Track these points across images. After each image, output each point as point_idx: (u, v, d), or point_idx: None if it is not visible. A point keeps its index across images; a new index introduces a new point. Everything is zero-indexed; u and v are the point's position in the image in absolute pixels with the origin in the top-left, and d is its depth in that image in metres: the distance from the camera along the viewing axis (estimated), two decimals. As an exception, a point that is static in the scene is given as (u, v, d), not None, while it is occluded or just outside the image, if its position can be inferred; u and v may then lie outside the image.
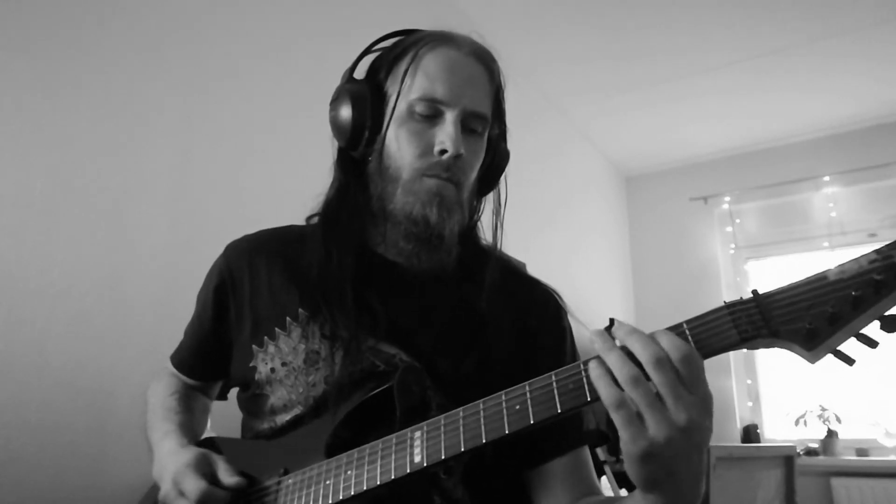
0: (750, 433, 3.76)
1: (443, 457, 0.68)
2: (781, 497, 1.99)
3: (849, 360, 0.56)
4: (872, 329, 0.55)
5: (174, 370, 1.05)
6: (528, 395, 0.65)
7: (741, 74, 3.45)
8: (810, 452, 3.60)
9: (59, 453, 1.29)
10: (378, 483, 0.71)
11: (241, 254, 0.97)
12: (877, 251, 0.55)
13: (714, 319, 0.60)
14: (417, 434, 0.71)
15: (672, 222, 4.41)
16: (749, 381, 4.03)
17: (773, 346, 0.59)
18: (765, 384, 4.03)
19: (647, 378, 0.57)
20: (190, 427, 0.95)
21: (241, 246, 0.99)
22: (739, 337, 0.59)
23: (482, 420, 0.67)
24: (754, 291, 0.59)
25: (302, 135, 1.95)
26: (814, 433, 3.66)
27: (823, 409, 3.65)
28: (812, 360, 0.58)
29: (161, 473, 0.84)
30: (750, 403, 4.00)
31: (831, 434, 3.60)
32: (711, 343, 0.60)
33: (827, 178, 3.93)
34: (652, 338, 0.59)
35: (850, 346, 0.57)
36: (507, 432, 0.65)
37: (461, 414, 0.69)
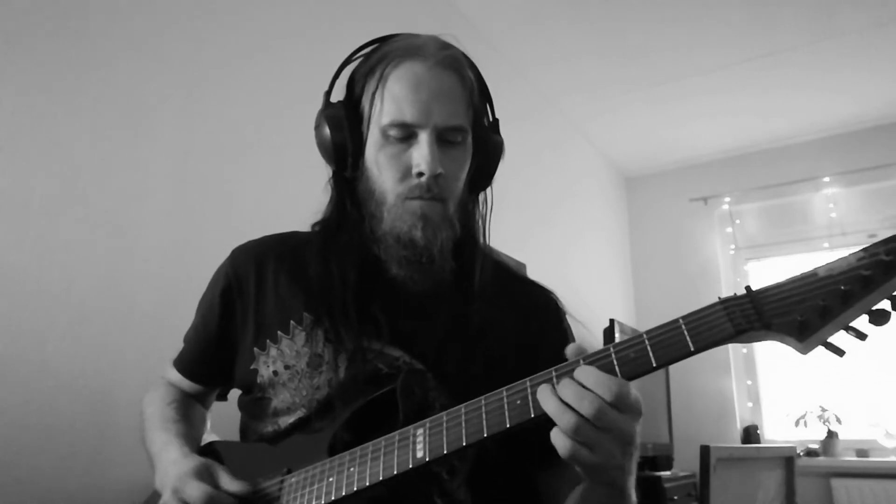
0: (750, 434, 3.76)
1: (445, 451, 0.69)
2: (781, 498, 1.99)
3: (839, 352, 0.59)
4: (861, 322, 0.58)
5: (176, 377, 1.04)
6: (528, 389, 0.67)
7: (741, 74, 3.45)
8: (810, 453, 3.60)
9: (58, 454, 1.29)
10: (381, 478, 0.72)
11: (247, 257, 0.97)
12: (864, 249, 0.58)
13: (710, 314, 0.62)
14: (420, 431, 0.72)
15: (672, 223, 4.41)
16: (749, 382, 4.03)
17: (767, 339, 0.61)
18: (765, 385, 4.03)
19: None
20: (190, 437, 0.94)
21: (248, 250, 0.99)
22: (734, 329, 0.60)
23: (484, 415, 0.68)
24: (747, 287, 0.62)
25: (303, 136, 1.95)
26: (814, 434, 3.66)
27: (823, 410, 3.65)
28: (804, 352, 0.60)
29: (164, 482, 0.83)
30: (750, 404, 4.00)
31: (831, 435, 3.60)
32: (708, 336, 0.61)
33: (827, 179, 3.93)
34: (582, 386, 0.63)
35: (841, 338, 0.59)
36: (508, 426, 0.66)
37: (463, 410, 0.70)
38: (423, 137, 0.85)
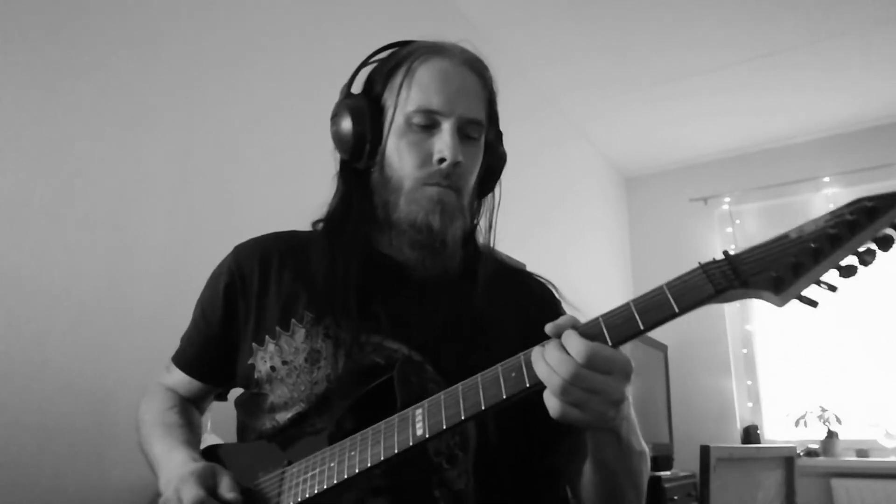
0: (750, 434, 3.76)
1: (444, 427, 0.70)
2: (782, 498, 1.99)
3: (813, 303, 0.62)
4: (832, 277, 0.62)
5: (174, 378, 1.03)
6: (522, 361, 0.69)
7: (741, 74, 3.45)
8: (810, 453, 3.60)
9: (58, 454, 1.29)
10: (382, 458, 0.73)
11: (250, 254, 0.98)
12: (831, 213, 0.63)
13: (691, 277, 0.66)
14: (419, 411, 0.73)
15: (672, 223, 4.41)
16: (749, 382, 4.03)
17: (745, 297, 0.65)
18: (765, 385, 4.02)
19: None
20: (194, 442, 0.94)
21: (251, 247, 1.00)
22: (714, 289, 0.64)
23: (480, 389, 0.70)
24: (725, 252, 0.66)
25: (304, 136, 1.95)
26: (814, 434, 3.66)
27: (823, 410, 3.64)
28: (780, 304, 0.63)
29: (168, 482, 0.83)
30: (750, 404, 4.00)
31: (831, 435, 3.60)
32: (690, 297, 0.65)
33: (827, 179, 3.93)
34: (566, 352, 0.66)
35: (814, 292, 0.63)
36: (504, 397, 0.68)
37: (460, 387, 0.72)
38: (446, 126, 0.89)
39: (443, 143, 0.89)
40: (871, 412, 3.63)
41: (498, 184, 1.03)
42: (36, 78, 1.37)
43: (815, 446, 3.62)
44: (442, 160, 0.88)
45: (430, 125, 0.90)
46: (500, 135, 1.04)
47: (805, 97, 3.69)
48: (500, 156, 1.03)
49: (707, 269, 0.65)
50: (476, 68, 0.95)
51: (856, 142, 3.91)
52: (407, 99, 0.90)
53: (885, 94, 3.64)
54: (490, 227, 1.02)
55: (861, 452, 3.54)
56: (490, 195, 1.03)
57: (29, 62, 1.36)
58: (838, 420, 3.61)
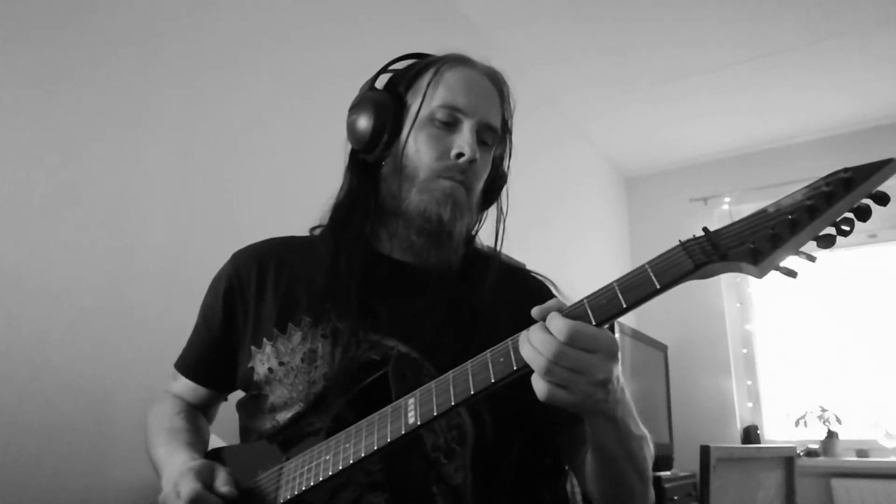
0: (750, 434, 3.76)
1: (435, 413, 0.71)
2: (782, 498, 1.99)
3: (792, 273, 0.63)
4: (810, 248, 0.63)
5: (180, 386, 1.05)
6: (510, 346, 0.71)
7: (741, 74, 3.45)
8: (810, 453, 3.60)
9: (58, 454, 1.29)
10: (376, 448, 0.74)
11: (248, 259, 1.00)
12: (807, 186, 0.63)
13: (671, 255, 0.68)
14: (411, 401, 0.75)
15: (672, 223, 4.41)
16: (749, 382, 4.03)
17: (726, 271, 0.66)
18: (765, 385, 4.02)
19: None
20: (198, 446, 0.95)
21: (249, 252, 1.02)
22: (694, 264, 0.65)
23: (470, 375, 0.71)
24: (705, 228, 0.67)
25: (304, 136, 1.95)
26: (814, 434, 3.66)
27: (823, 410, 3.64)
28: (759, 276, 0.64)
29: (168, 480, 0.84)
30: (750, 404, 4.00)
31: (831, 435, 3.60)
32: (671, 273, 0.66)
33: (827, 179, 3.93)
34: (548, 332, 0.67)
35: (794, 263, 0.65)
36: (493, 381, 0.69)
37: (451, 375, 0.73)
38: (467, 126, 0.94)
39: (463, 139, 0.92)
40: (871, 412, 3.63)
41: (504, 196, 1.06)
42: (36, 78, 1.37)
43: (815, 446, 3.62)
44: (460, 155, 0.92)
45: (451, 122, 0.94)
46: (504, 154, 1.06)
47: (805, 97, 3.69)
48: (502, 174, 1.06)
49: (687, 245, 0.67)
50: (497, 82, 1.01)
51: (856, 142, 3.91)
52: (433, 95, 0.95)
53: (885, 94, 3.64)
54: (497, 234, 1.04)
55: (861, 452, 3.54)
56: (492, 208, 1.06)
57: (29, 62, 1.36)
58: (838, 420, 3.62)
